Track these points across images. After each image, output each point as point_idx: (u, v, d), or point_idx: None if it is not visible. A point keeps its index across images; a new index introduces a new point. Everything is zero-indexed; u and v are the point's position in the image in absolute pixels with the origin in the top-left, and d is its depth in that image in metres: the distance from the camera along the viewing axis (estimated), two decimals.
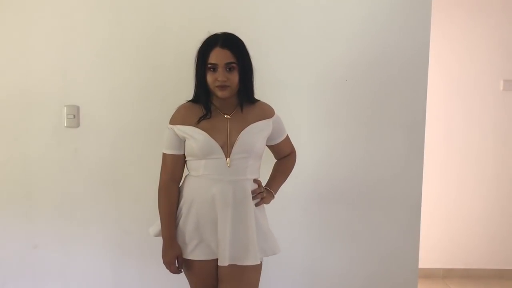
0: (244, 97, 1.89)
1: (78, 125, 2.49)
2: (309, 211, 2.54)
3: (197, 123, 1.85)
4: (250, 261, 1.82)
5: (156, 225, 1.98)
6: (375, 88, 2.50)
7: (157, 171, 1.96)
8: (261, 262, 1.91)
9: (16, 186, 2.54)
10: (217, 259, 1.87)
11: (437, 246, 3.74)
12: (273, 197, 2.02)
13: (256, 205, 1.91)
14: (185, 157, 1.92)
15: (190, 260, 1.89)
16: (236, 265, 1.82)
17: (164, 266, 2.28)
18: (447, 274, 3.80)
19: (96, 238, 2.55)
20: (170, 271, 1.92)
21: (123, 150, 2.51)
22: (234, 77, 1.81)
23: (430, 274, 3.75)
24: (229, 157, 1.83)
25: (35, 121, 2.49)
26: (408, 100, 2.51)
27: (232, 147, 1.83)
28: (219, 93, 1.82)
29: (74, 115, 2.47)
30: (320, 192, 2.54)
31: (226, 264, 1.81)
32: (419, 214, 2.54)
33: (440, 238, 3.76)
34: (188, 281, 1.99)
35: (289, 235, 2.46)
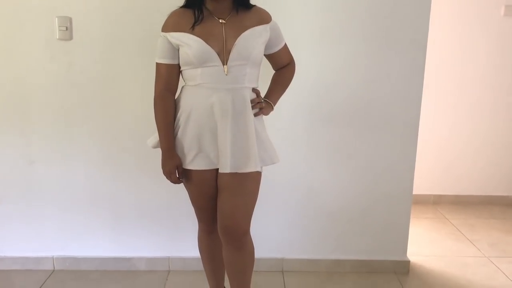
0: (240, 0, 1.82)
1: (71, 38, 2.41)
2: (307, 129, 2.54)
3: (191, 29, 1.79)
4: (251, 168, 1.81)
5: (154, 136, 1.96)
6: (377, 6, 2.43)
7: (153, 84, 1.91)
8: (261, 173, 1.91)
9: (9, 102, 2.50)
10: (217, 169, 1.88)
11: (428, 173, 3.80)
12: (272, 108, 2.00)
13: (255, 115, 1.89)
14: (179, 67, 1.87)
15: (190, 170, 1.89)
16: (236, 173, 1.82)
17: (162, 180, 2.28)
18: (438, 200, 3.89)
19: (92, 153, 2.55)
20: (171, 181, 1.91)
21: (118, 63, 2.46)
22: None
23: (421, 200, 3.83)
24: (226, 64, 1.79)
25: (25, 32, 2.41)
26: (411, 19, 2.45)
27: (229, 53, 1.78)
28: None
29: (66, 27, 2.39)
30: (319, 110, 2.52)
31: (227, 171, 1.80)
32: (417, 133, 2.54)
33: (432, 166, 3.82)
34: (188, 191, 2.00)
35: (287, 152, 2.47)
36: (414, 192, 2.68)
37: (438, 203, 3.88)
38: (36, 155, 2.55)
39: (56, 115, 2.51)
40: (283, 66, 2.03)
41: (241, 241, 1.92)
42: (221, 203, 1.89)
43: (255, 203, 1.92)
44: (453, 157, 3.84)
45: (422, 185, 3.74)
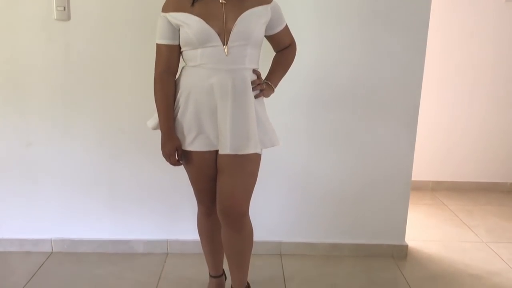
0: None
1: (68, 18, 2.38)
2: (306, 113, 2.53)
3: (191, 8, 1.76)
4: (251, 149, 1.80)
5: (153, 118, 1.95)
6: None
7: (153, 65, 1.89)
8: (260, 155, 1.90)
9: (6, 83, 2.48)
10: (216, 151, 1.87)
11: (427, 160, 3.80)
12: (273, 90, 1.98)
13: (256, 96, 1.87)
14: (180, 48, 1.85)
15: (189, 152, 1.88)
16: (236, 155, 1.80)
17: (161, 162, 2.26)
18: (436, 186, 3.90)
19: (90, 135, 2.54)
20: (170, 163, 1.90)
21: (116, 44, 2.43)
22: None
23: (420, 186, 3.83)
24: (226, 45, 1.76)
25: (22, 12, 2.38)
26: (412, 3, 2.42)
27: (229, 34, 1.76)
28: None
29: (64, 7, 2.36)
30: (318, 94, 2.51)
31: (227, 152, 1.79)
32: (417, 118, 2.53)
33: (430, 152, 3.81)
34: (187, 173, 1.99)
35: (286, 136, 2.45)
36: (413, 179, 2.67)
37: (436, 189, 3.89)
38: (33, 136, 2.53)
39: (53, 96, 2.48)
40: (284, 47, 2.01)
41: (240, 222, 1.92)
42: (220, 184, 1.88)
43: (254, 185, 1.91)
44: (451, 143, 3.84)
45: (421, 171, 3.73)
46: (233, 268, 2.04)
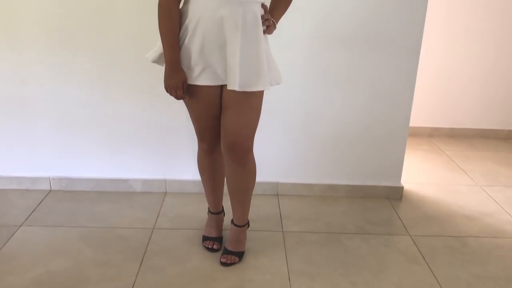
0: None
1: None
2: (308, 51, 2.48)
3: None
4: (260, 86, 1.76)
5: (154, 50, 1.86)
6: None
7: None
8: (263, 91, 1.86)
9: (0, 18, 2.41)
10: (222, 86, 1.82)
11: (425, 106, 3.78)
12: (275, 27, 1.92)
13: (263, 32, 1.81)
14: None
15: (194, 86, 1.81)
16: (243, 91, 1.76)
17: (159, 101, 2.26)
18: (433, 132, 3.90)
19: (87, 72, 2.49)
20: (176, 97, 1.81)
21: None
22: None
23: (417, 132, 3.84)
24: None
25: None
26: None
27: None
28: None
29: None
30: (318, 32, 2.45)
31: (236, 88, 1.73)
32: (418, 57, 2.49)
33: (429, 98, 3.79)
34: (189, 110, 1.94)
35: (284, 75, 2.42)
36: (410, 125, 2.66)
37: (433, 135, 3.89)
38: (28, 74, 2.49)
39: (48, 32, 2.42)
40: None
41: (244, 158, 1.92)
42: (225, 120, 1.86)
43: (258, 121, 1.90)
44: (449, 90, 3.81)
45: (418, 117, 3.73)
46: (235, 204, 2.06)
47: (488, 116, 3.89)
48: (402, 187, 2.73)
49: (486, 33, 3.67)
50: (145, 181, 2.69)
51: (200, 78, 1.79)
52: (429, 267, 2.07)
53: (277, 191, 2.72)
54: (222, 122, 1.88)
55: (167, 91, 1.82)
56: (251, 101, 1.83)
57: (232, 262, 2.03)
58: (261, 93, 1.85)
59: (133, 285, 1.88)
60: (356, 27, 2.45)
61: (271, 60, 1.86)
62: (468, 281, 1.99)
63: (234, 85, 1.73)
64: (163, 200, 2.60)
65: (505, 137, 3.91)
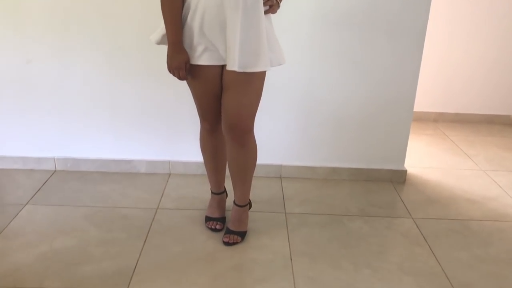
0: None
1: None
2: (311, 33, 2.47)
3: None
4: (260, 67, 1.76)
5: (158, 32, 1.86)
6: None
7: None
8: (265, 72, 1.85)
9: None
10: (223, 66, 1.82)
11: (430, 91, 3.77)
12: (278, 6, 1.90)
13: (265, 13, 1.79)
14: None
15: (196, 66, 1.81)
16: (244, 72, 1.76)
17: (163, 82, 2.25)
18: (439, 117, 3.89)
19: (91, 52, 2.49)
20: (178, 77, 1.82)
21: None
22: None
23: (422, 117, 3.83)
24: None
25: None
26: None
27: None
28: None
29: None
30: (323, 13, 2.43)
31: (235, 69, 1.73)
32: (423, 40, 2.47)
33: (434, 83, 3.77)
34: (192, 90, 1.94)
35: (288, 56, 2.41)
36: (415, 110, 2.64)
37: (438, 121, 3.88)
38: (33, 54, 2.49)
39: (53, 13, 2.42)
40: None
41: (245, 138, 1.92)
42: (226, 100, 1.86)
43: (259, 102, 1.90)
44: (455, 76, 3.78)
45: (423, 102, 3.71)
46: (236, 183, 2.07)
47: (493, 102, 3.86)
48: (406, 171, 2.73)
49: (493, 18, 3.63)
50: (149, 162, 2.70)
51: (202, 57, 1.79)
52: (431, 249, 2.08)
53: (280, 174, 2.72)
54: (223, 102, 1.88)
55: (170, 71, 1.83)
56: (252, 82, 1.83)
57: (235, 241, 2.05)
58: (262, 74, 1.84)
59: (136, 263, 1.90)
60: (361, 10, 2.42)
61: (273, 40, 1.85)
62: (469, 263, 2.00)
63: (233, 65, 1.73)
64: (167, 181, 2.62)
65: (510, 123, 3.89)
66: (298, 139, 2.68)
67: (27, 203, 2.34)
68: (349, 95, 2.59)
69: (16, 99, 2.58)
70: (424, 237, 2.17)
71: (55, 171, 2.69)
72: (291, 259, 1.97)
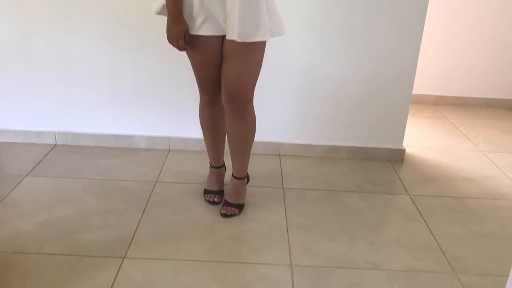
0: None
1: None
2: (313, 11, 2.46)
3: None
4: (260, 37, 1.76)
5: (158, 2, 1.87)
6: None
7: None
8: (265, 42, 1.84)
9: None
10: (223, 36, 1.82)
11: (431, 74, 3.76)
12: None
13: None
14: None
15: (196, 36, 1.82)
16: (244, 42, 1.76)
17: (164, 57, 2.25)
18: (439, 101, 3.88)
19: (92, 26, 2.49)
20: (178, 48, 1.83)
21: None
22: None
23: (423, 100, 3.83)
24: None
25: None
26: None
27: None
28: None
29: None
30: None
31: (234, 38, 1.73)
32: (423, 20, 2.46)
33: (434, 66, 3.76)
34: (191, 61, 1.95)
35: (288, 33, 2.41)
36: (415, 92, 2.64)
37: (438, 103, 3.88)
38: (34, 27, 2.49)
39: None
40: None
41: (244, 108, 1.93)
42: (226, 70, 1.87)
43: (259, 71, 1.91)
44: (455, 58, 3.77)
45: (424, 85, 3.71)
46: (235, 155, 2.09)
47: (494, 86, 3.85)
48: (404, 150, 2.74)
49: (495, 1, 3.60)
50: (149, 138, 2.71)
51: (202, 28, 1.80)
52: (427, 224, 2.10)
53: (279, 151, 2.74)
54: (223, 71, 1.89)
55: (169, 42, 1.83)
56: (252, 52, 1.83)
57: (232, 213, 2.07)
58: (262, 45, 1.84)
59: (134, 232, 1.92)
60: None
61: (273, 11, 1.85)
62: (464, 238, 2.01)
63: (232, 35, 1.74)
64: (166, 157, 2.63)
65: (511, 107, 3.88)
66: (297, 117, 2.68)
67: (27, 174, 2.36)
68: (348, 73, 2.59)
69: (18, 72, 2.58)
70: (420, 213, 2.19)
71: (55, 145, 2.71)
72: (287, 231, 1.99)
